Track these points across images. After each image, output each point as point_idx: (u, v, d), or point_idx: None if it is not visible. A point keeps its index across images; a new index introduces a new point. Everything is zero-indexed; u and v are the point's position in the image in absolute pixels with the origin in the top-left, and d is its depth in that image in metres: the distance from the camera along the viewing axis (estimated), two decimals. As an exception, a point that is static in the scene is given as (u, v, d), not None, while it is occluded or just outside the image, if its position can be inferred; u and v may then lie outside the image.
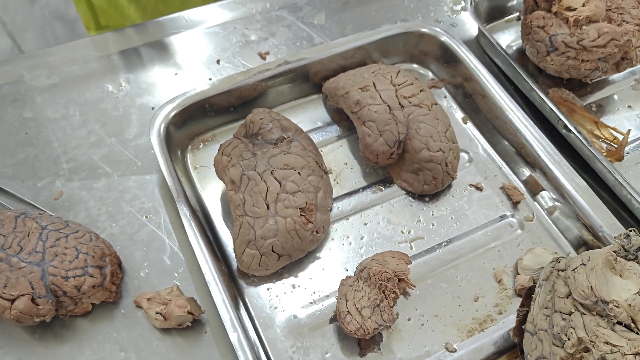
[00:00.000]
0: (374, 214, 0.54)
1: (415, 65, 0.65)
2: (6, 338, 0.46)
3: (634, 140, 0.60)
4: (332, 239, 0.52)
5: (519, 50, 0.68)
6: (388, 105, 0.53)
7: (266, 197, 0.47)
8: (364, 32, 0.61)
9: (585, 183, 0.52)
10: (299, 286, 0.49)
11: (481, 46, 0.67)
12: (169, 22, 0.67)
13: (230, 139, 0.52)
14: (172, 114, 0.54)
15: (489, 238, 0.53)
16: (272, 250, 0.47)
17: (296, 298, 0.49)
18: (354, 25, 0.69)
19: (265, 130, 0.52)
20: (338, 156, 0.58)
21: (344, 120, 0.60)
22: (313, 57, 0.59)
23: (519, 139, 0.56)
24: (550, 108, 0.57)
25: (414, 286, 0.48)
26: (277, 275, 0.50)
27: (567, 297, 0.38)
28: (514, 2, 0.71)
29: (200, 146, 0.58)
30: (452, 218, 0.54)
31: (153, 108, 0.60)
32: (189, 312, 0.45)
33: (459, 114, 0.62)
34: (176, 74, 0.63)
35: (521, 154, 0.56)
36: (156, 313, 0.45)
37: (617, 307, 0.36)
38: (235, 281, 0.49)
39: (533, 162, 0.55)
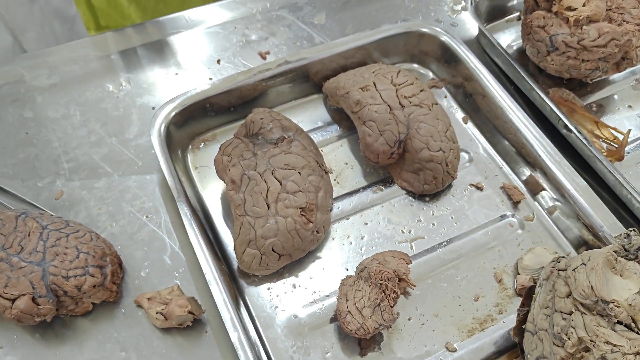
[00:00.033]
0: (375, 214, 0.54)
1: (415, 65, 0.65)
2: (7, 338, 0.46)
3: (634, 140, 0.60)
4: (333, 239, 0.52)
5: (520, 50, 0.68)
6: (388, 105, 0.53)
7: (267, 197, 0.47)
8: (365, 32, 0.61)
9: (585, 183, 0.52)
10: (299, 286, 0.49)
11: (481, 46, 0.67)
12: (169, 22, 0.67)
13: (231, 138, 0.52)
14: (173, 113, 0.54)
15: (489, 238, 0.53)
16: (273, 250, 0.47)
17: (297, 298, 0.49)
18: (354, 25, 0.69)
19: (266, 130, 0.52)
20: (338, 156, 0.58)
21: (344, 120, 0.60)
22: (313, 56, 0.59)
23: (519, 139, 0.56)
24: (551, 108, 0.57)
25: (415, 286, 0.48)
26: (277, 274, 0.50)
27: (568, 297, 0.38)
28: (514, 2, 0.71)
29: (201, 146, 0.58)
30: (452, 218, 0.54)
31: (153, 108, 0.60)
32: (190, 312, 0.45)
33: (459, 114, 0.62)
34: (177, 74, 0.63)
35: (521, 154, 0.56)
36: (157, 313, 0.45)
37: (618, 306, 0.36)
38: (235, 281, 0.49)
39: (533, 161, 0.55)
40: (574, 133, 0.56)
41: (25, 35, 0.74)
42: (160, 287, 0.48)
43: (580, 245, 0.52)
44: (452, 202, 0.55)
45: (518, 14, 0.70)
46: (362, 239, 0.53)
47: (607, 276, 0.37)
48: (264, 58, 0.65)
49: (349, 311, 0.44)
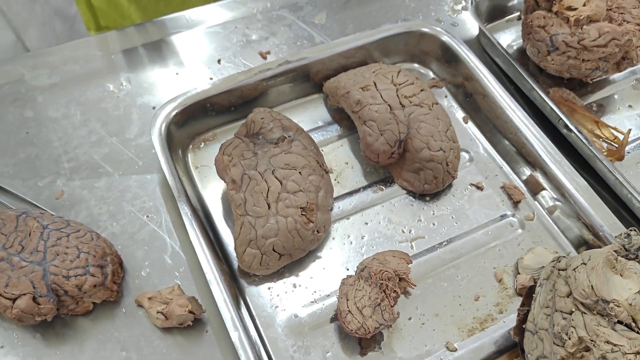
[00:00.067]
0: (375, 214, 0.54)
1: (416, 65, 0.65)
2: (7, 337, 0.46)
3: (634, 140, 0.60)
4: (333, 239, 0.52)
5: (520, 50, 0.68)
6: (389, 105, 0.53)
7: (267, 197, 0.47)
8: (365, 32, 0.61)
9: (585, 182, 0.52)
10: (299, 285, 0.49)
11: (482, 46, 0.67)
12: (169, 21, 0.67)
13: (231, 138, 0.52)
14: (173, 113, 0.54)
15: (489, 237, 0.53)
16: (273, 249, 0.47)
17: (297, 297, 0.49)
18: (354, 24, 0.69)
19: (266, 130, 0.52)
20: (339, 156, 0.58)
21: (344, 119, 0.60)
22: (314, 56, 0.59)
23: (519, 139, 0.56)
24: (551, 107, 0.57)
25: (415, 285, 0.48)
26: (278, 274, 0.50)
27: (568, 297, 0.38)
28: (515, 2, 0.71)
29: (201, 146, 0.58)
30: (452, 217, 0.54)
31: (154, 107, 0.60)
32: (190, 311, 0.45)
33: (459, 114, 0.62)
34: (177, 74, 0.63)
35: (522, 154, 0.56)
36: (157, 312, 0.45)
37: (618, 306, 0.36)
38: (236, 280, 0.49)
39: (534, 161, 0.55)
40: (574, 133, 0.56)
41: (28, 33, 0.74)
42: (161, 287, 0.48)
43: (581, 244, 0.52)
44: (453, 202, 0.55)
45: (518, 13, 0.70)
46: (362, 238, 0.53)
47: (607, 276, 0.37)
48: (265, 58, 0.65)
49: (349, 311, 0.44)
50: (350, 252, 0.52)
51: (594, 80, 0.63)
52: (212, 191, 0.55)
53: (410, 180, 0.55)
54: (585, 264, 0.38)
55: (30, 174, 0.55)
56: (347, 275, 0.48)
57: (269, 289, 0.49)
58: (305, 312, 0.48)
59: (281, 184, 0.48)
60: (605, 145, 0.60)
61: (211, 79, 0.63)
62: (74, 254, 0.44)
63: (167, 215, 0.53)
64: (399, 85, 0.54)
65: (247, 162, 0.49)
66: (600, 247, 0.46)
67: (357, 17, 0.69)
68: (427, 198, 0.55)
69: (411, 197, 0.55)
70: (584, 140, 0.55)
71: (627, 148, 0.59)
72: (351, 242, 0.52)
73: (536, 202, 0.55)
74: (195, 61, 0.64)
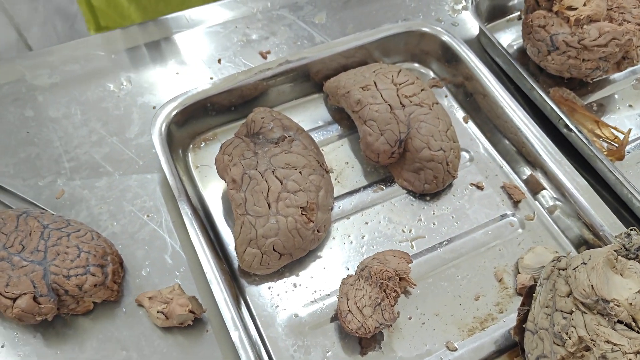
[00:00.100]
0: (375, 213, 0.54)
1: (416, 65, 0.65)
2: (8, 336, 0.46)
3: (634, 140, 0.60)
4: (333, 238, 0.52)
5: (520, 50, 0.68)
6: (389, 105, 0.53)
7: (267, 196, 0.47)
8: (365, 32, 0.61)
9: (586, 182, 0.52)
10: (300, 285, 0.49)
11: (482, 45, 0.67)
12: (170, 21, 0.67)
13: (232, 138, 0.52)
14: (174, 113, 0.54)
15: (489, 237, 0.53)
16: (274, 249, 0.47)
17: (297, 297, 0.49)
18: (355, 24, 0.69)
19: (267, 130, 0.52)
20: (339, 155, 0.58)
21: (345, 119, 0.60)
22: (314, 56, 0.59)
23: (519, 138, 0.56)
24: (551, 107, 0.57)
25: (415, 285, 0.48)
26: (278, 274, 0.50)
27: (568, 296, 0.38)
28: (515, 2, 0.71)
29: (202, 145, 0.58)
30: (453, 217, 0.54)
31: (154, 107, 0.60)
32: (191, 311, 0.45)
33: (459, 113, 0.62)
34: (177, 73, 0.63)
35: (522, 153, 0.56)
36: (158, 312, 0.45)
37: (618, 305, 0.36)
38: (236, 280, 0.49)
39: (534, 161, 0.55)
40: (574, 132, 0.56)
41: (30, 31, 0.74)
42: (161, 286, 0.48)
43: (581, 244, 0.52)
44: (453, 202, 0.55)
45: (519, 13, 0.70)
46: (362, 238, 0.53)
47: (607, 275, 0.37)
48: (265, 57, 0.65)
49: (349, 310, 0.44)
50: (351, 252, 0.52)
51: (594, 80, 0.63)
52: (213, 191, 0.55)
53: (410, 180, 0.55)
54: (585, 263, 0.38)
55: (31, 173, 0.55)
56: (348, 275, 0.48)
57: (269, 288, 0.49)
58: (305, 312, 0.48)
59: (281, 183, 0.48)
60: (605, 144, 0.60)
61: (211, 78, 0.63)
62: (75, 253, 0.44)
63: (167, 215, 0.53)
64: (399, 84, 0.54)
65: (248, 162, 0.49)
66: (600, 247, 0.46)
67: (357, 16, 0.69)
68: (428, 198, 0.55)
69: (411, 197, 0.55)
70: (584, 140, 0.55)
71: (627, 148, 0.59)
72: (351, 242, 0.52)
73: (536, 202, 0.55)
74: (196, 61, 0.64)
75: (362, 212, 0.54)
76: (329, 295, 0.49)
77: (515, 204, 0.55)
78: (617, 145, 0.59)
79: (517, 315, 0.43)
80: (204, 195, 0.54)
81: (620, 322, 0.36)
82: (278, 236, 0.46)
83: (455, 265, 0.51)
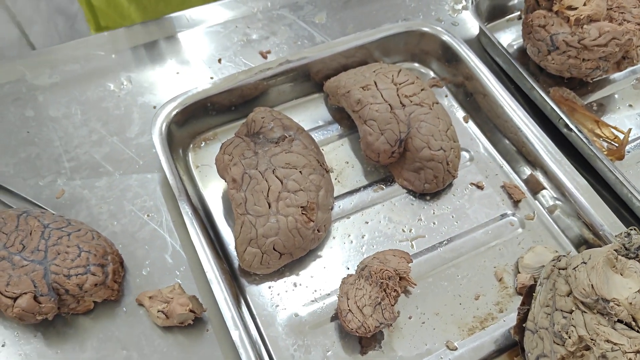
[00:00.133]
0: (375, 213, 0.54)
1: (416, 64, 0.65)
2: (8, 335, 0.46)
3: (634, 139, 0.60)
4: (334, 238, 0.52)
5: (520, 49, 0.68)
6: (389, 104, 0.53)
7: (268, 196, 0.47)
8: (365, 31, 0.61)
9: (586, 182, 0.52)
10: (300, 284, 0.49)
11: (482, 45, 0.67)
12: (170, 21, 0.67)
13: (232, 137, 0.52)
14: (174, 112, 0.54)
15: (489, 237, 0.53)
16: (274, 248, 0.47)
17: (297, 296, 0.49)
18: (355, 24, 0.69)
19: (267, 129, 0.52)
20: (339, 155, 0.58)
21: (345, 119, 0.60)
22: (314, 56, 0.59)
23: (519, 138, 0.56)
24: (551, 107, 0.57)
25: (415, 284, 0.48)
26: (278, 273, 0.50)
27: (568, 296, 0.38)
28: (515, 1, 0.71)
29: (202, 145, 0.58)
30: (453, 217, 0.54)
31: (155, 107, 0.60)
32: (191, 310, 0.45)
33: (460, 113, 0.62)
34: (178, 73, 0.63)
35: (522, 153, 0.56)
36: (158, 311, 0.45)
37: (618, 305, 0.36)
38: (236, 279, 0.49)
39: (534, 161, 0.55)
40: (574, 132, 0.56)
41: (32, 29, 0.74)
42: (162, 286, 0.48)
43: (581, 244, 0.52)
44: (453, 201, 0.55)
45: (519, 13, 0.70)
46: (362, 237, 0.53)
47: (607, 275, 0.37)
48: (265, 57, 0.65)
49: (349, 310, 0.44)
50: (351, 251, 0.52)
51: (594, 80, 0.63)
52: (213, 190, 0.55)
53: (410, 180, 0.55)
54: (585, 263, 0.38)
55: (31, 173, 0.55)
56: (348, 274, 0.48)
57: (269, 288, 0.49)
58: (305, 311, 0.48)
59: (282, 183, 0.48)
60: (605, 144, 0.60)
61: (212, 78, 0.63)
62: (75, 253, 0.44)
63: (167, 215, 0.53)
64: (400, 84, 0.54)
65: (248, 162, 0.49)
66: (600, 246, 0.46)
67: (358, 16, 0.69)
68: (428, 197, 0.55)
69: (411, 197, 0.55)
70: (584, 140, 0.55)
71: (627, 147, 0.59)
72: (351, 241, 0.52)
73: (536, 202, 0.55)
74: (196, 60, 0.64)
75: (362, 211, 0.54)
76: (329, 294, 0.49)
77: (515, 203, 0.55)
78: (617, 145, 0.59)
79: (517, 315, 0.43)
80: (204, 194, 0.54)
81: (620, 321, 0.36)
82: (278, 236, 0.46)
83: (456, 264, 0.51)
